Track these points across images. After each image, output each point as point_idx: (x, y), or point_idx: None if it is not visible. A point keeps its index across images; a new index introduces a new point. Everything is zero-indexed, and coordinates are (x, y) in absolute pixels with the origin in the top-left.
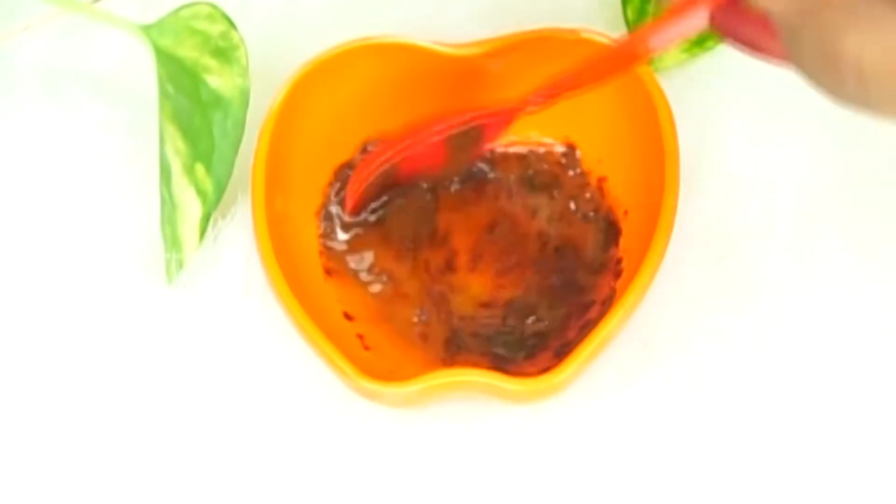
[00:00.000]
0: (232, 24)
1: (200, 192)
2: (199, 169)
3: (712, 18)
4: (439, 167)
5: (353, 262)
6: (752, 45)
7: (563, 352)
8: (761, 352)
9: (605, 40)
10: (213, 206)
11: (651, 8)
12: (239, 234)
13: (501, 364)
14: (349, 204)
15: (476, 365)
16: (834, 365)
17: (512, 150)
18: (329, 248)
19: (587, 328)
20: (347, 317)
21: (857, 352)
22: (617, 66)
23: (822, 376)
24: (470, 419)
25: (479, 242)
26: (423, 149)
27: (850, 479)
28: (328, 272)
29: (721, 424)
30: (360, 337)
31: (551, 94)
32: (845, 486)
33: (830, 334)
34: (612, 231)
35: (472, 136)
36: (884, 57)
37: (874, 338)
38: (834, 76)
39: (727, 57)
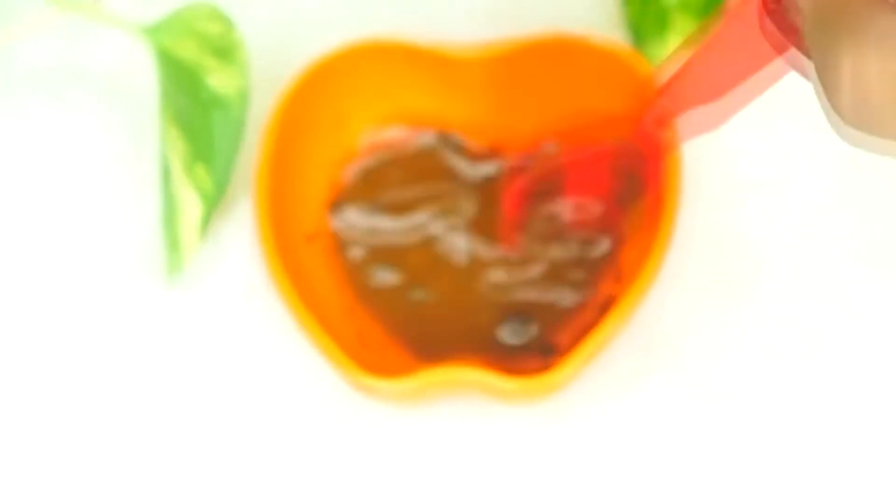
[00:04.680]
0: (232, 25)
1: (200, 192)
2: (199, 169)
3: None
4: (604, 197)
5: (356, 259)
6: (796, 45)
7: (561, 354)
8: (763, 353)
9: (607, 45)
10: (213, 206)
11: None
12: (239, 234)
13: (500, 365)
14: (506, 233)
15: (474, 364)
16: (836, 366)
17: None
18: (333, 246)
19: (586, 331)
20: (348, 314)
21: (859, 353)
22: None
23: (823, 378)
24: (471, 420)
25: (482, 246)
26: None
27: (852, 481)
28: (328, 268)
29: (722, 427)
30: (360, 334)
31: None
32: (846, 487)
33: (832, 336)
34: (613, 236)
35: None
36: (881, 78)
37: (877, 340)
38: (833, 91)
39: None
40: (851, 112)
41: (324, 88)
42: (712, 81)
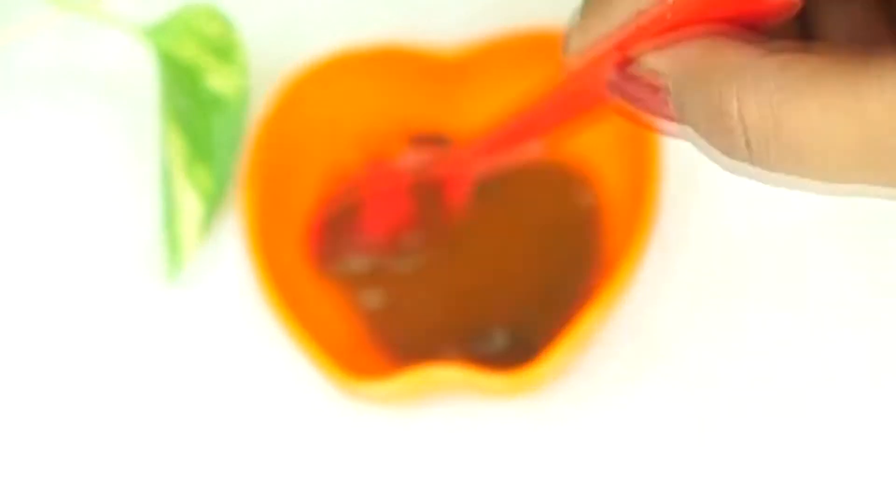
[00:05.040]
0: (232, 25)
1: (200, 192)
2: (199, 169)
3: (608, 84)
4: (408, 221)
5: (345, 263)
6: (646, 109)
7: (543, 349)
8: (756, 354)
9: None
10: (213, 206)
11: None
12: (239, 235)
13: (484, 362)
14: (313, 251)
15: (458, 362)
16: (832, 366)
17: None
18: (323, 250)
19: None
20: (338, 318)
21: (856, 353)
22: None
23: (818, 379)
24: (463, 419)
25: (467, 241)
26: (385, 199)
27: (849, 479)
28: (320, 273)
29: (715, 426)
30: (354, 336)
31: (499, 143)
32: (843, 485)
33: (828, 336)
34: (598, 231)
35: (436, 192)
36: (765, 117)
37: (873, 339)
38: (723, 138)
39: None
40: (745, 152)
41: (315, 95)
42: (540, 128)
